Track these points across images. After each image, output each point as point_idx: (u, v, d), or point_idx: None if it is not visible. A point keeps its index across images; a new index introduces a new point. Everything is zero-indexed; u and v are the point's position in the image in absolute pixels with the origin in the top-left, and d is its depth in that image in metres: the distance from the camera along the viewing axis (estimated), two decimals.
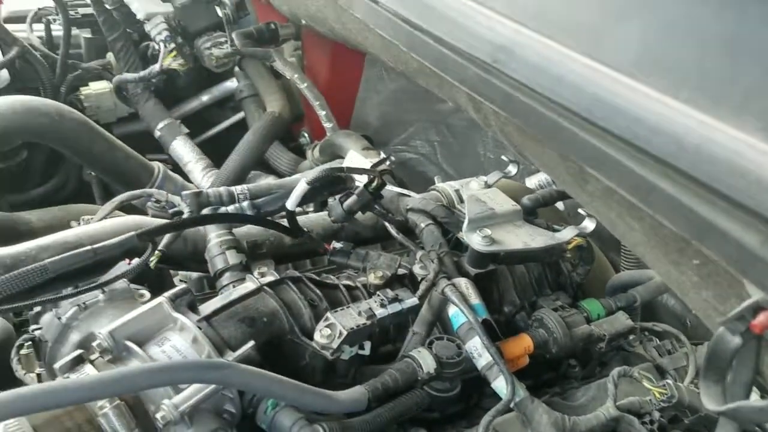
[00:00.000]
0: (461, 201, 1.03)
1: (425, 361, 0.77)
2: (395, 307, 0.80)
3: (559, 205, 1.19)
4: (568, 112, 0.48)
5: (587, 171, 0.55)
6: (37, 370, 0.84)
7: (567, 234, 0.90)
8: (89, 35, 1.87)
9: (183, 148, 1.72)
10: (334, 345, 0.75)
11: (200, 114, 2.01)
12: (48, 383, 0.57)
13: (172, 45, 1.63)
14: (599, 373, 0.92)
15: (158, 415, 0.65)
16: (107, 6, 1.66)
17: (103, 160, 1.45)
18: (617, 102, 0.45)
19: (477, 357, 0.79)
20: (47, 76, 1.70)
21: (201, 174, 1.66)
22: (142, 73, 1.68)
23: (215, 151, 1.76)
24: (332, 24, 1.15)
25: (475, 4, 0.62)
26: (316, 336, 0.76)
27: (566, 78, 0.49)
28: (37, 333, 0.84)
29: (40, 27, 1.84)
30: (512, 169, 1.04)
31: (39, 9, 1.82)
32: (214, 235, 0.91)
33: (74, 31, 1.83)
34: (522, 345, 0.85)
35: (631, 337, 0.91)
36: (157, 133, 1.75)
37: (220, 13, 1.70)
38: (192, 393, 0.67)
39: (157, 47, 1.67)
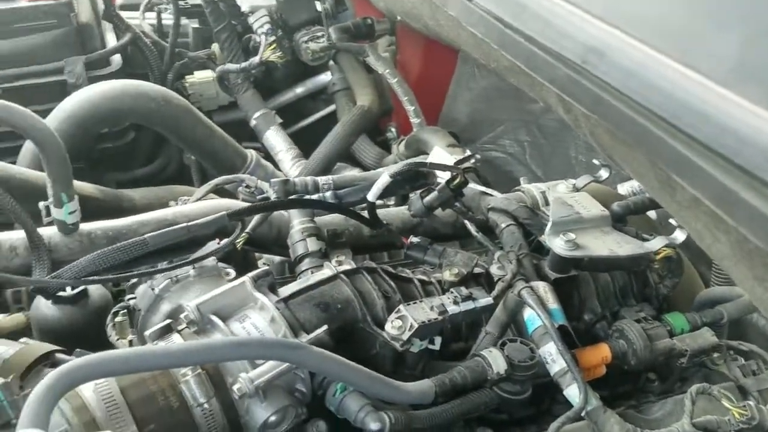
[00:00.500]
0: (546, 203, 1.02)
1: (496, 361, 0.77)
2: (468, 305, 0.81)
3: (652, 214, 1.15)
4: (656, 117, 0.47)
5: (675, 179, 0.53)
6: (129, 336, 0.90)
7: (656, 244, 0.87)
8: (197, 25, 1.96)
9: (275, 138, 1.78)
10: (405, 337, 0.76)
11: (294, 105, 2.07)
12: (138, 347, 0.62)
13: (273, 38, 1.69)
14: (678, 389, 0.88)
15: (235, 387, 0.68)
16: None
17: (203, 145, 1.53)
18: (707, 110, 0.44)
19: (551, 362, 0.78)
20: (156, 62, 1.80)
21: (290, 163, 1.71)
22: (243, 65, 1.75)
23: (306, 142, 1.81)
24: (426, 20, 1.16)
25: (567, 5, 0.61)
26: (388, 327, 0.78)
27: (656, 83, 0.48)
28: (131, 302, 0.91)
29: (152, 15, 1.95)
30: (603, 174, 1.01)
31: None
32: (297, 222, 0.95)
33: (183, 20, 1.93)
34: (600, 354, 0.83)
35: (715, 354, 0.87)
36: (253, 122, 1.83)
37: (319, 7, 1.75)
38: (267, 369, 0.70)
39: (258, 40, 1.73)
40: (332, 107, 2.03)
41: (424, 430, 0.75)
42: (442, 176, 0.95)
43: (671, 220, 0.89)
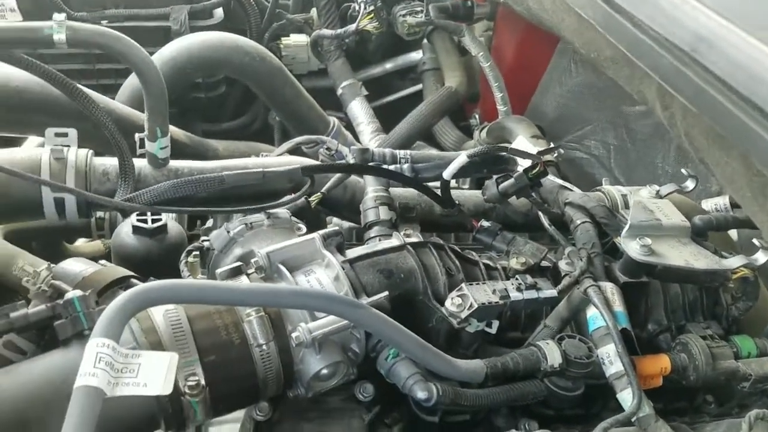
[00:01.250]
0: (626, 207, 1.00)
1: (552, 353, 0.76)
2: (531, 294, 0.80)
3: (733, 234, 1.10)
4: (760, 113, 0.45)
5: None
6: (199, 276, 0.94)
7: (734, 262, 0.83)
8: None
9: (359, 109, 1.80)
10: (463, 315, 0.77)
11: (381, 80, 2.08)
12: (211, 281, 0.65)
13: (372, 7, 1.70)
14: (736, 414, 0.85)
15: (293, 335, 0.70)
16: None
17: (289, 106, 1.57)
18: None
19: (608, 364, 0.77)
20: (255, 21, 1.84)
21: (370, 136, 1.73)
22: (338, 31, 1.78)
23: (387, 118, 1.83)
24: (530, 3, 1.14)
25: None
26: (447, 303, 0.78)
27: (764, 77, 0.46)
28: (205, 244, 0.95)
29: None
30: (689, 184, 0.98)
31: None
32: (371, 189, 0.96)
33: None
34: (659, 365, 0.81)
35: None
36: (339, 91, 1.85)
37: None
38: (326, 323, 0.71)
39: (357, 8, 1.75)
40: (418, 87, 2.04)
41: (468, 408, 0.76)
42: (522, 165, 0.94)
43: (755, 241, 0.86)
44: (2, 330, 0.67)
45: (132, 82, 1.44)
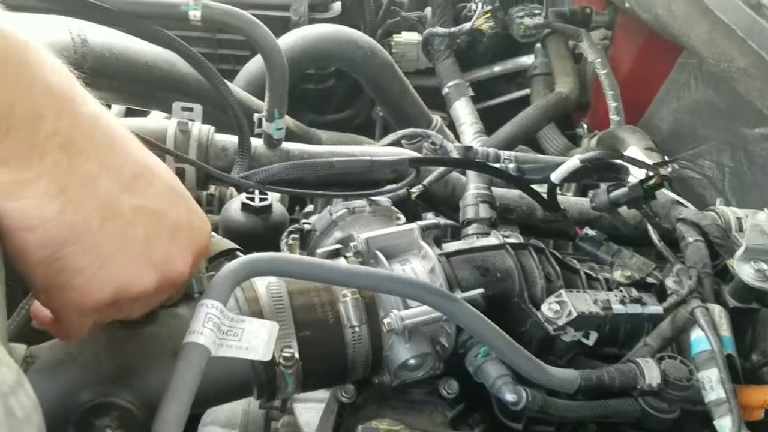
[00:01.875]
0: (740, 230, 0.94)
1: (650, 372, 0.73)
2: (635, 308, 0.77)
3: None
4: None
5: None
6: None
7: None
8: None
9: (463, 109, 1.79)
10: (560, 322, 0.75)
11: (487, 83, 2.07)
12: (314, 258, 0.66)
13: (489, 6, 1.70)
14: None
15: (385, 320, 0.71)
16: None
17: (394, 101, 1.59)
18: None
19: (708, 390, 0.72)
20: (370, 16, 1.88)
21: (472, 136, 1.72)
22: (452, 29, 1.78)
23: (490, 121, 1.81)
24: (659, 10, 1.10)
25: None
26: (544, 307, 0.76)
27: None
28: (305, 226, 0.97)
29: None
30: None
31: None
32: (473, 186, 0.95)
33: None
34: (763, 396, 0.76)
35: None
36: (445, 90, 1.85)
37: None
38: (418, 313, 0.72)
39: (474, 8, 1.74)
40: (524, 92, 2.01)
41: (556, 419, 0.74)
42: (635, 176, 0.90)
43: None
44: None
45: (249, 69, 1.51)
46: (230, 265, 0.62)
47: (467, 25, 1.74)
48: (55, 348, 0.67)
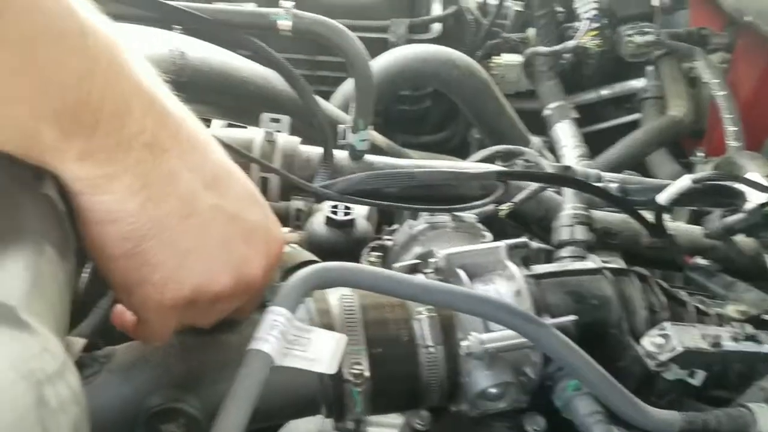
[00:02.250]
0: None
1: (765, 419, 0.63)
2: (749, 347, 0.68)
3: None
4: None
5: None
6: None
7: None
8: (520, 9, 1.97)
9: (565, 131, 1.71)
10: (663, 358, 0.67)
11: (593, 107, 1.97)
12: (389, 271, 0.63)
13: (596, 24, 1.62)
14: None
15: (464, 343, 0.66)
16: None
17: (491, 121, 1.54)
18: None
19: None
20: (470, 38, 1.85)
21: (574, 161, 1.63)
22: (556, 47, 1.71)
23: (594, 147, 1.72)
24: None
25: None
26: (645, 341, 0.69)
27: None
28: (388, 242, 0.94)
29: None
30: None
31: None
32: (569, 206, 0.88)
33: (507, 2, 1.95)
34: None
35: None
36: (547, 112, 1.78)
37: (655, 2, 1.63)
38: (501, 337, 0.66)
39: (578, 26, 1.67)
40: (633, 117, 1.90)
41: None
42: (755, 199, 0.81)
43: None
44: None
45: (344, 88, 1.51)
46: (300, 273, 0.60)
47: (572, 43, 1.66)
48: (131, 350, 0.67)
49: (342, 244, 1.00)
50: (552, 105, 1.77)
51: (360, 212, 1.08)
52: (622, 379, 0.72)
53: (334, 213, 0.99)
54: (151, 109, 0.48)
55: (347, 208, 1.01)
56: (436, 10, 1.81)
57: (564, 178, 0.85)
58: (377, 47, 1.69)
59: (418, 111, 1.81)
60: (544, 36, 1.81)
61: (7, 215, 0.44)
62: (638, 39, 1.62)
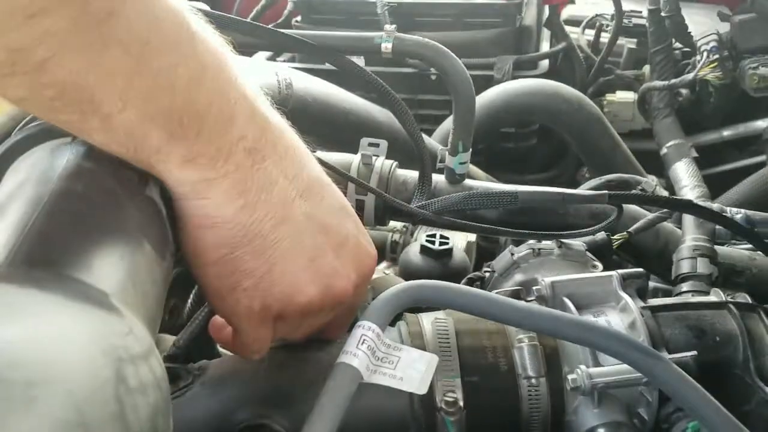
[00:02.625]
0: None
1: None
2: None
3: None
4: None
5: None
6: None
7: None
8: (634, 46, 1.89)
9: (684, 170, 1.60)
10: None
11: (714, 148, 1.84)
12: (487, 293, 0.59)
13: (716, 56, 1.52)
14: None
15: (570, 377, 0.60)
16: (662, 14, 1.65)
17: (602, 157, 1.47)
18: None
19: None
20: (581, 74, 1.80)
21: (695, 200, 1.52)
22: (672, 81, 1.62)
23: (714, 192, 1.59)
24: None
25: None
26: None
27: None
28: (487, 274, 0.90)
29: (591, 33, 1.95)
30: None
31: (596, 15, 1.93)
32: (690, 238, 0.81)
33: (621, 40, 1.88)
34: None
35: None
36: (664, 150, 1.68)
37: None
38: (611, 372, 0.60)
39: (698, 59, 1.58)
40: (758, 159, 1.75)
41: None
42: None
43: None
44: None
45: (445, 126, 1.50)
46: (393, 288, 0.58)
47: (690, 76, 1.57)
48: (224, 364, 0.67)
49: (437, 275, 0.97)
50: (669, 143, 1.67)
51: (458, 244, 1.04)
52: (748, 424, 0.63)
53: (431, 243, 0.97)
54: (253, 117, 0.48)
55: (444, 237, 0.98)
56: (544, 47, 1.78)
57: (684, 203, 0.78)
58: (482, 84, 1.67)
59: (523, 149, 1.77)
60: (660, 73, 1.72)
61: (110, 212, 0.45)
62: (763, 70, 1.51)
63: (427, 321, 0.67)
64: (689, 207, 0.78)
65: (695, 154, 1.66)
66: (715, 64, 1.54)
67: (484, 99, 1.48)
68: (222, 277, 0.51)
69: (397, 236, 1.22)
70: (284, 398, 0.62)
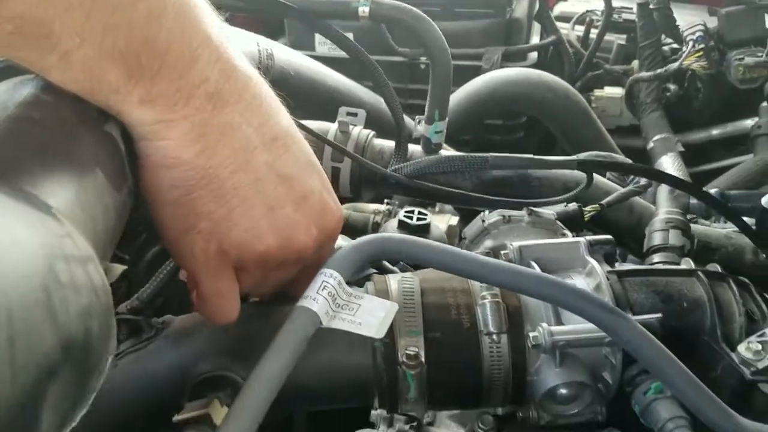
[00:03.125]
0: None
1: None
2: None
3: None
4: None
5: None
6: None
7: None
8: (623, 42, 1.90)
9: (670, 164, 1.60)
10: (761, 365, 0.58)
11: (702, 147, 1.84)
12: (452, 246, 0.59)
13: (702, 45, 1.53)
14: None
15: (531, 334, 0.60)
16: (651, 6, 1.65)
17: (587, 147, 1.43)
18: None
19: None
20: (570, 68, 1.80)
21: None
22: (658, 71, 1.63)
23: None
24: None
25: None
26: (741, 347, 0.60)
27: None
28: (464, 243, 0.90)
29: (581, 29, 1.95)
30: None
31: (587, 11, 1.94)
32: (663, 211, 0.81)
33: (611, 36, 1.88)
34: None
35: None
36: (650, 145, 1.68)
37: None
38: (573, 330, 0.60)
39: (684, 49, 1.58)
40: (744, 158, 1.75)
41: None
42: None
43: None
44: None
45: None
46: (357, 240, 0.58)
47: (674, 65, 1.57)
48: (188, 318, 0.67)
49: None
50: (656, 137, 1.67)
51: (440, 227, 1.04)
52: (714, 391, 0.63)
53: (409, 218, 0.97)
54: (217, 61, 0.48)
55: (422, 213, 0.98)
56: (534, 40, 1.78)
57: (655, 172, 0.78)
58: (470, 75, 1.67)
59: (509, 141, 1.76)
60: (648, 67, 1.72)
61: (64, 138, 0.45)
62: (749, 60, 1.51)
63: (394, 280, 0.67)
64: (661, 176, 0.78)
65: (681, 149, 1.66)
66: (701, 53, 1.54)
67: (471, 88, 1.48)
68: (178, 218, 0.50)
69: (379, 218, 1.22)
70: (245, 350, 0.61)
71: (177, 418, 0.56)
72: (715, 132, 1.85)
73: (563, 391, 0.61)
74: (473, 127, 1.58)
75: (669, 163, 1.61)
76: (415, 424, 0.75)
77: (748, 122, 1.77)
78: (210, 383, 0.60)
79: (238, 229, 0.51)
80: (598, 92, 1.84)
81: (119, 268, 0.48)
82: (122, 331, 0.63)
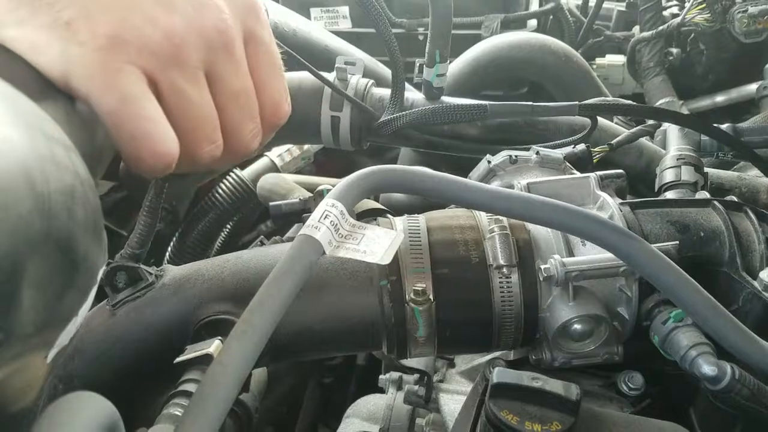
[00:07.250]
0: None
1: None
2: None
3: None
4: None
5: None
6: None
7: None
8: (623, 8, 1.87)
9: (674, 131, 1.57)
10: None
11: (706, 116, 1.81)
12: (457, 177, 0.56)
13: None
14: None
15: (542, 266, 0.58)
16: None
17: None
18: None
19: None
20: (570, 36, 1.77)
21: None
22: (660, 28, 1.60)
23: None
24: None
25: None
26: (763, 274, 0.57)
27: None
28: None
29: None
30: None
31: None
32: (674, 148, 0.78)
33: (611, 3, 1.86)
34: None
35: None
36: None
37: None
38: (586, 260, 0.58)
39: (687, 4, 1.55)
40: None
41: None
42: None
43: None
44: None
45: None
46: (359, 171, 0.55)
47: (676, 20, 1.54)
48: (187, 266, 0.65)
49: (418, 206, 0.95)
50: (660, 101, 1.64)
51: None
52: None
53: None
54: None
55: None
56: (533, 7, 1.75)
57: (667, 113, 0.75)
58: (469, 43, 1.64)
59: None
60: (649, 29, 1.69)
61: None
62: (753, 10, 1.47)
63: (399, 220, 0.64)
64: (667, 114, 0.75)
65: (686, 112, 1.63)
66: (704, 5, 1.51)
67: (471, 54, 1.45)
68: (42, 29, 0.38)
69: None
70: (246, 293, 0.59)
71: (179, 359, 0.54)
72: (719, 98, 1.82)
73: (577, 326, 0.59)
74: (474, 95, 1.55)
75: (673, 129, 1.58)
76: (425, 381, 0.73)
77: (753, 86, 1.74)
78: (211, 326, 0.58)
79: (110, 9, 0.39)
80: (599, 60, 1.81)
81: (107, 184, 0.45)
82: (120, 279, 0.61)
